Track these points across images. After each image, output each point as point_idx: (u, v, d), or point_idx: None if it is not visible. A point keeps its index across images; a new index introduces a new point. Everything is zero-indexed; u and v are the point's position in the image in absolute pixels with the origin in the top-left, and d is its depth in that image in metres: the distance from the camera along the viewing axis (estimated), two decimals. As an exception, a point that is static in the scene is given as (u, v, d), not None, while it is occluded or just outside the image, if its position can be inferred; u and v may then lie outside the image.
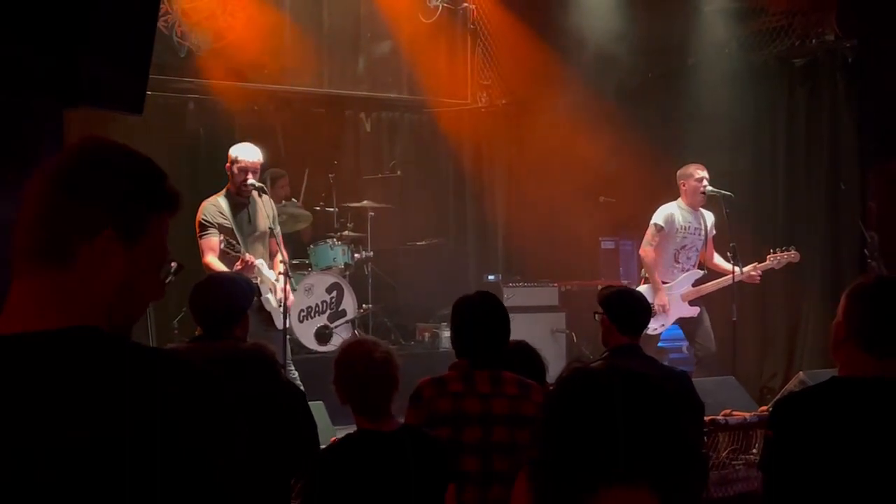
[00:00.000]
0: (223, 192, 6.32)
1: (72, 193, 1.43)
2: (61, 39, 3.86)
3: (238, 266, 5.99)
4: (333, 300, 8.16)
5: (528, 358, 3.80)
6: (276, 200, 8.31)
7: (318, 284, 8.12)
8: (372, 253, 8.82)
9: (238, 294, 3.76)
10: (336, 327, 8.06)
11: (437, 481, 3.01)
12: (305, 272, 8.25)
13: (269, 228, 6.40)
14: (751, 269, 7.23)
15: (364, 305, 8.56)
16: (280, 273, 6.37)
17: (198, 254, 6.11)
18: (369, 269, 8.80)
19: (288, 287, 6.26)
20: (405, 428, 3.15)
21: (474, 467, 3.38)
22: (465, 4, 10.38)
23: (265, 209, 6.42)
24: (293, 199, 8.86)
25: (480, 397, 3.50)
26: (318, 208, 8.98)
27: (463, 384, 3.52)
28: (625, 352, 4.05)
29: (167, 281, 1.60)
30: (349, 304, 8.23)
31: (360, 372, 3.11)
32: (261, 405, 3.13)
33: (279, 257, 6.43)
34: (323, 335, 7.97)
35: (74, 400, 1.34)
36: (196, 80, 8.74)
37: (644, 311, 4.25)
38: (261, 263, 6.27)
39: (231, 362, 3.24)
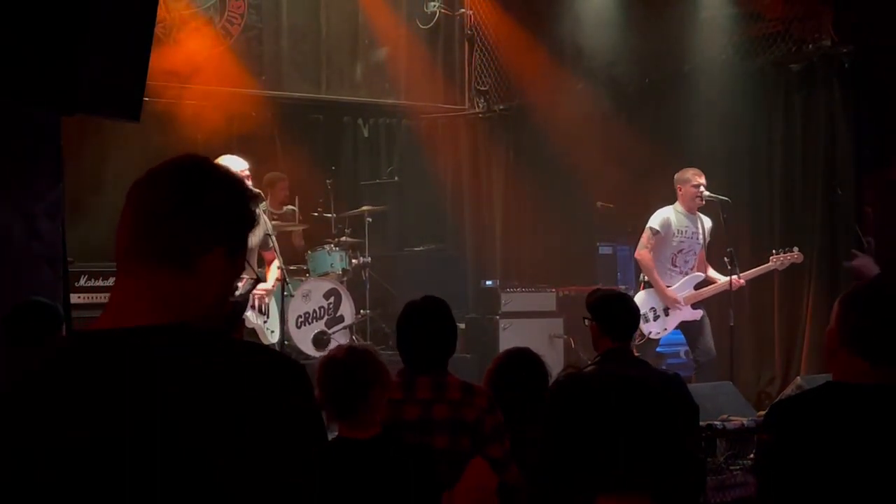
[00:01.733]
0: None
1: (197, 208, 1.53)
2: (60, 48, 3.86)
3: None
4: (331, 306, 8.16)
5: (530, 365, 3.79)
6: (276, 204, 8.32)
7: (316, 290, 8.11)
8: (369, 258, 8.81)
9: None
10: (334, 333, 8.05)
11: (416, 489, 2.95)
12: (303, 278, 8.25)
13: (262, 240, 6.37)
14: (739, 278, 7.22)
15: (361, 311, 8.56)
16: (277, 279, 6.37)
17: None
18: (367, 274, 8.80)
19: (272, 299, 6.22)
20: (385, 434, 3.06)
21: None
22: (463, 10, 10.41)
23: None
24: (291, 207, 8.86)
25: (421, 404, 3.48)
26: (315, 214, 8.98)
27: (403, 391, 3.50)
28: (615, 356, 4.05)
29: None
30: (347, 309, 8.22)
31: (329, 375, 3.05)
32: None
33: (275, 264, 6.43)
34: (320, 341, 7.96)
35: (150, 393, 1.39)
36: (193, 85, 8.74)
37: (631, 314, 4.25)
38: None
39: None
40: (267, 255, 6.51)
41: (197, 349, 1.44)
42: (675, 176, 7.42)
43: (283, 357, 1.52)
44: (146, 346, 1.42)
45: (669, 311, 7.32)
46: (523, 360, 3.79)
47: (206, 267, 1.52)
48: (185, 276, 1.50)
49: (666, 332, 7.40)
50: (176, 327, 1.46)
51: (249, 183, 6.33)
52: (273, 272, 6.49)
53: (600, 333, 4.13)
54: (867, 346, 2.45)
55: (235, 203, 1.57)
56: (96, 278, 7.07)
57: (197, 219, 1.52)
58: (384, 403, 3.12)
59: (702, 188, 7.27)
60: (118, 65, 4.02)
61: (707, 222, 7.44)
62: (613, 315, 4.14)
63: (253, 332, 6.38)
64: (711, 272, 7.47)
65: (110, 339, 1.44)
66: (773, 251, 7.28)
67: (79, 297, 6.78)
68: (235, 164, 6.37)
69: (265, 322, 6.36)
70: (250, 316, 6.33)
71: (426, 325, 3.64)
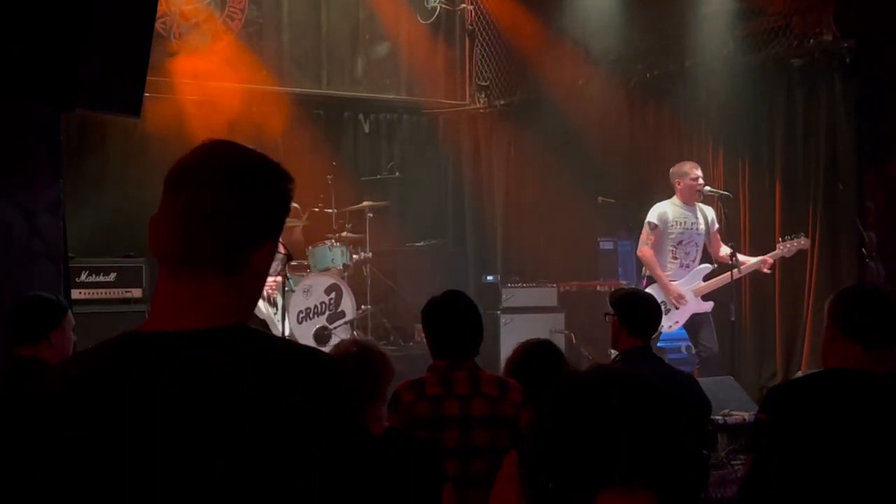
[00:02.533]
0: None
1: (254, 210, 1.50)
2: (60, 45, 3.86)
3: None
4: (332, 301, 8.16)
5: (551, 357, 3.75)
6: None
7: (317, 286, 8.12)
8: (370, 254, 8.82)
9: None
10: (335, 328, 8.06)
11: (423, 485, 2.95)
12: (304, 273, 8.25)
13: None
14: (760, 263, 7.15)
15: (363, 306, 8.57)
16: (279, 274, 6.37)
17: None
18: (368, 270, 8.80)
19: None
20: (390, 431, 3.07)
21: (453, 470, 3.35)
22: (463, 6, 10.40)
23: None
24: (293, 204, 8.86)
25: (459, 399, 3.50)
26: (316, 209, 8.99)
27: (441, 386, 3.52)
28: (636, 354, 4.01)
29: None
30: (348, 305, 8.23)
31: None
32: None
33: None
34: (322, 336, 7.98)
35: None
36: (194, 81, 8.74)
37: (656, 313, 4.21)
38: None
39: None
40: None
41: (210, 350, 1.42)
42: (672, 170, 7.38)
43: (295, 356, 1.47)
44: (156, 348, 1.42)
45: (684, 298, 7.24)
46: (543, 351, 3.78)
47: (256, 264, 1.51)
48: (237, 275, 1.49)
49: (678, 326, 7.29)
50: (215, 330, 1.44)
51: None
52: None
53: (621, 331, 4.09)
54: (858, 330, 2.65)
55: (284, 192, 1.55)
56: (97, 274, 7.07)
57: (255, 220, 1.50)
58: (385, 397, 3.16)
59: (700, 180, 7.24)
60: (118, 64, 4.02)
61: (710, 212, 7.38)
62: (637, 313, 4.10)
63: (264, 323, 6.37)
64: (738, 256, 7.23)
65: (136, 342, 1.44)
66: (780, 238, 7.24)
67: (80, 293, 6.79)
68: None
69: (275, 313, 6.35)
70: (261, 306, 6.34)
71: (458, 321, 3.68)
